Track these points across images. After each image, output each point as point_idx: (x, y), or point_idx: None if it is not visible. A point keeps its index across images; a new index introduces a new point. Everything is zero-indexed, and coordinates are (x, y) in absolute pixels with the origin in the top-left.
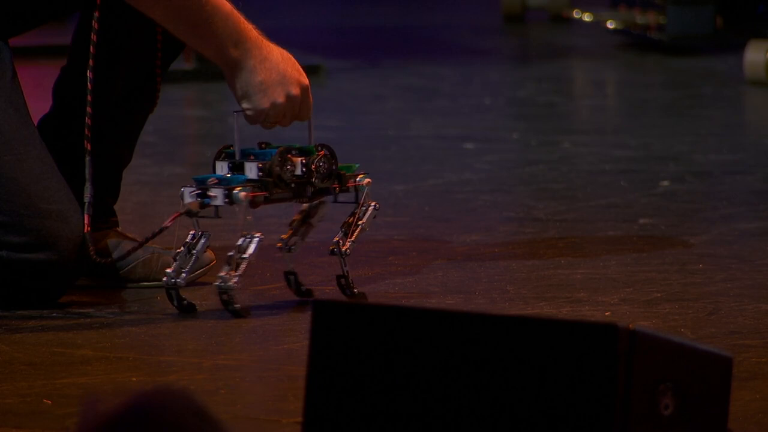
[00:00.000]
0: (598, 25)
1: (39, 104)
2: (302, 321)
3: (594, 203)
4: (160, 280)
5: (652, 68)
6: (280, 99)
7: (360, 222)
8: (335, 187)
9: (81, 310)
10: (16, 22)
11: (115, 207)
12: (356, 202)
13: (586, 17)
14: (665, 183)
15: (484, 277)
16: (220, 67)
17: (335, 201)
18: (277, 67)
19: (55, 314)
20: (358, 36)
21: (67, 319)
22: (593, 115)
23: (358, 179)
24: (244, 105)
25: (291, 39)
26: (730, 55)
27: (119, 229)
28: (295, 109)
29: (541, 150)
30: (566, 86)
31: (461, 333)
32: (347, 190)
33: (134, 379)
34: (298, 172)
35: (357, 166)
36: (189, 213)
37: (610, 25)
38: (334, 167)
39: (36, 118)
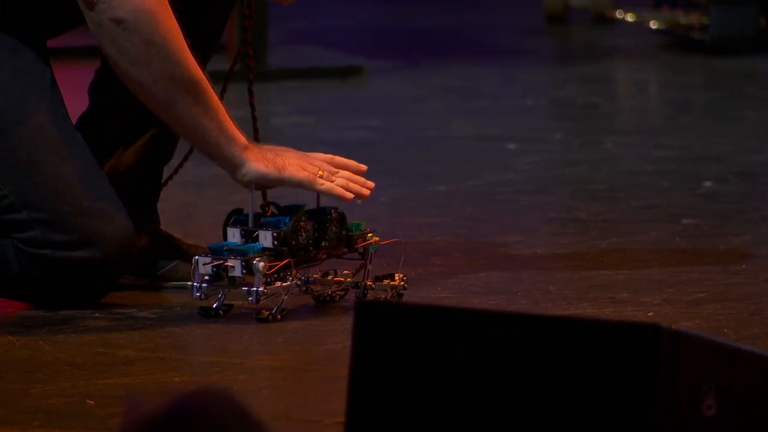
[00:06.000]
0: (640, 25)
1: (74, 104)
2: (344, 322)
3: (636, 204)
4: None
5: (695, 69)
6: (296, 158)
7: (369, 283)
8: (344, 251)
9: (124, 311)
10: (54, 23)
11: (159, 207)
12: (362, 259)
13: (629, 17)
14: (707, 183)
15: (526, 278)
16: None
17: (339, 256)
18: (265, 146)
19: (97, 314)
20: (398, 37)
21: (110, 319)
22: (635, 116)
23: (367, 238)
24: (287, 178)
25: (330, 40)
26: None
27: (160, 227)
28: (331, 159)
29: (582, 150)
30: (608, 87)
31: (504, 333)
32: (356, 251)
33: (177, 379)
34: (311, 237)
35: (364, 224)
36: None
37: (653, 25)
38: (344, 231)
39: (73, 118)
